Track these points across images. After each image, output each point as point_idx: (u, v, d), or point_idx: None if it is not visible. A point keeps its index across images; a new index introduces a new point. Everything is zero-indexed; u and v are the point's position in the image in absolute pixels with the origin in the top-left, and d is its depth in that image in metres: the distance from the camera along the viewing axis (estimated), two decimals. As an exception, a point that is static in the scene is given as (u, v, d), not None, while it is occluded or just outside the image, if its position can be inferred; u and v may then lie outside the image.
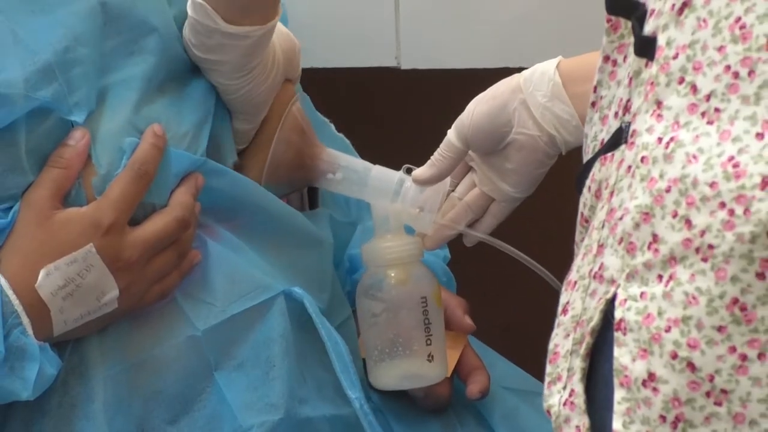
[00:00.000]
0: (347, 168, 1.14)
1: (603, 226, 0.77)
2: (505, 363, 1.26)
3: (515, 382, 1.24)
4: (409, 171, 1.13)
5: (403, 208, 1.12)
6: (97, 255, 0.97)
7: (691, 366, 0.69)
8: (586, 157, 0.85)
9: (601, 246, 0.77)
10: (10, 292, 0.95)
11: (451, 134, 1.11)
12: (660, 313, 0.70)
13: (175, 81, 1.07)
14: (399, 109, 1.54)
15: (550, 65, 1.10)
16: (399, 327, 1.12)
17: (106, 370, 1.01)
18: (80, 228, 0.97)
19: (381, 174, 1.13)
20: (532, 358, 1.26)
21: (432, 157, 1.12)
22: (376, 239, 1.14)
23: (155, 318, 1.04)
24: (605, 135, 0.81)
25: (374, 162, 1.17)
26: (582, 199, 0.83)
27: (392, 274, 1.13)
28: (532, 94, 1.09)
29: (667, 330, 0.70)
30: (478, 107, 1.10)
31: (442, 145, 1.12)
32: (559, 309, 0.80)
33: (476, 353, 1.20)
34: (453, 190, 1.17)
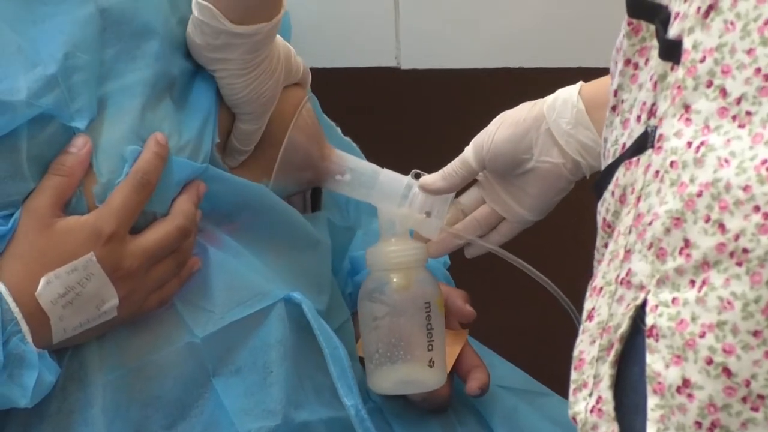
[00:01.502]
0: (355, 170, 1.14)
1: (630, 232, 0.76)
2: (505, 364, 1.27)
3: (514, 382, 1.24)
4: (417, 176, 1.13)
5: (410, 213, 1.12)
6: (97, 264, 0.97)
7: (727, 371, 0.69)
8: (605, 162, 0.84)
9: (628, 251, 0.76)
10: (9, 300, 0.94)
11: (469, 154, 1.12)
12: (693, 319, 0.70)
13: (177, 87, 1.07)
14: (399, 110, 1.54)
15: (572, 91, 1.10)
16: (401, 331, 1.12)
17: (104, 375, 1.01)
18: (81, 236, 0.97)
19: (389, 178, 1.13)
20: (532, 360, 1.27)
21: (444, 170, 1.12)
22: (381, 243, 1.14)
23: (154, 324, 1.03)
24: (627, 139, 0.81)
25: (374, 162, 1.16)
26: (604, 204, 0.83)
27: (396, 279, 1.12)
28: (556, 121, 1.09)
29: (702, 335, 0.69)
30: (500, 132, 1.10)
31: (457, 162, 1.12)
32: (584, 315, 0.80)
33: (476, 352, 1.20)
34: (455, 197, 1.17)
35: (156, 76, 1.04)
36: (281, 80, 1.11)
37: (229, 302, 1.05)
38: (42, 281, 0.95)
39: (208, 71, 1.08)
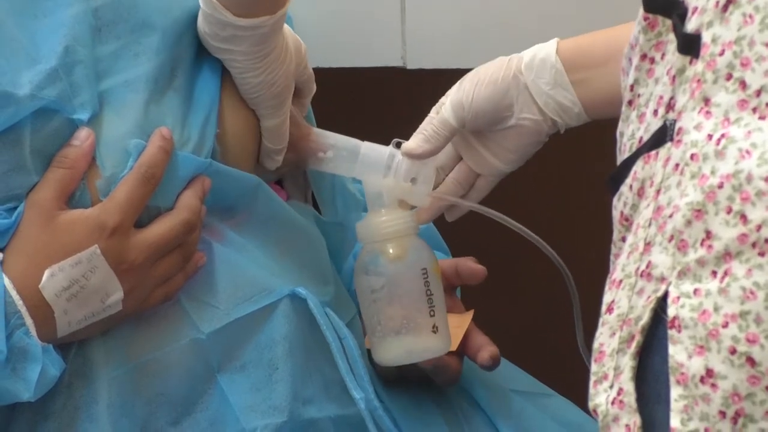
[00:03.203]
0: (336, 146, 1.14)
1: (650, 224, 0.77)
2: (511, 366, 1.27)
3: (521, 385, 1.25)
4: (398, 145, 1.13)
5: (396, 183, 1.12)
6: (101, 257, 0.97)
7: (751, 361, 0.69)
8: (621, 156, 0.85)
9: (648, 244, 0.77)
10: (13, 293, 0.95)
11: (448, 114, 1.12)
12: (716, 309, 0.70)
13: (180, 81, 1.07)
14: (404, 109, 1.54)
15: (549, 50, 1.11)
16: (402, 300, 1.11)
17: (110, 371, 1.01)
18: (85, 229, 0.98)
19: (371, 150, 1.13)
20: (532, 362, 1.27)
21: (426, 133, 1.13)
22: (370, 215, 1.13)
23: (159, 320, 1.04)
24: (644, 133, 0.81)
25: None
26: (621, 198, 0.83)
27: (391, 248, 1.12)
28: (535, 82, 1.11)
29: (725, 326, 0.70)
30: (479, 91, 1.11)
31: (437, 123, 1.12)
32: (603, 308, 0.80)
33: (482, 332, 1.20)
34: None
35: (157, 70, 1.04)
36: (292, 71, 1.11)
37: (235, 298, 1.05)
38: (46, 274, 0.96)
39: (223, 62, 1.09)
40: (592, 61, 1.10)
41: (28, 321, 0.95)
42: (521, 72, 1.11)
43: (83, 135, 0.99)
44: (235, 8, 1.04)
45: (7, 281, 0.95)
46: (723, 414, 0.70)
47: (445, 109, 1.12)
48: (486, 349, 1.16)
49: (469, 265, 1.20)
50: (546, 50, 1.11)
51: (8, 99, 0.95)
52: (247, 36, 1.05)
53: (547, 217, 1.34)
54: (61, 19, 0.99)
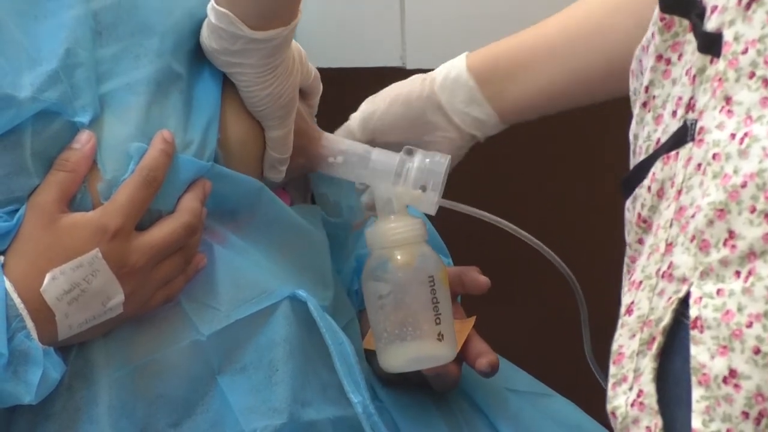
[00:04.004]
0: (347, 152, 1.14)
1: (671, 225, 0.77)
2: (510, 366, 1.27)
3: (520, 385, 1.24)
4: (409, 152, 1.13)
5: (405, 190, 1.12)
6: (103, 260, 0.97)
7: None
8: (636, 159, 0.84)
9: (669, 245, 0.76)
10: (14, 296, 0.94)
11: (355, 126, 1.15)
12: (740, 309, 0.70)
13: (185, 80, 1.06)
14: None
15: (460, 68, 1.13)
16: (407, 307, 1.11)
17: (110, 373, 1.01)
18: (86, 232, 0.97)
19: (382, 156, 1.13)
20: (540, 368, 1.27)
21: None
22: (379, 221, 1.13)
23: (160, 321, 1.03)
24: (661, 134, 0.81)
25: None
26: (637, 200, 0.82)
27: (398, 255, 1.11)
28: (450, 101, 1.13)
29: (749, 325, 0.70)
30: (393, 109, 1.14)
31: (340, 132, 1.16)
32: (622, 309, 0.80)
33: (482, 340, 1.20)
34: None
35: (159, 73, 1.03)
36: (298, 81, 1.11)
37: (235, 300, 1.05)
38: (47, 277, 0.95)
39: (227, 75, 1.08)
40: (502, 74, 1.12)
41: (30, 324, 0.94)
42: (435, 92, 1.13)
43: (84, 138, 0.98)
44: (252, 21, 1.03)
45: (8, 284, 0.95)
46: (746, 414, 0.70)
47: (353, 118, 1.15)
48: (485, 356, 1.16)
49: (474, 275, 1.19)
50: (457, 69, 1.13)
51: (9, 101, 0.95)
52: (259, 49, 1.04)
53: (551, 222, 1.34)
54: (62, 21, 0.99)
